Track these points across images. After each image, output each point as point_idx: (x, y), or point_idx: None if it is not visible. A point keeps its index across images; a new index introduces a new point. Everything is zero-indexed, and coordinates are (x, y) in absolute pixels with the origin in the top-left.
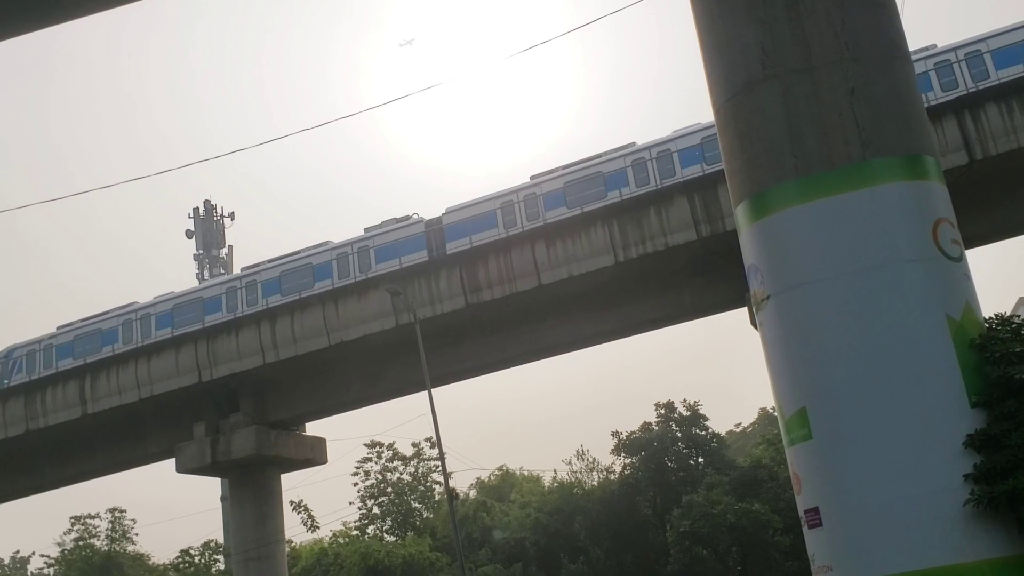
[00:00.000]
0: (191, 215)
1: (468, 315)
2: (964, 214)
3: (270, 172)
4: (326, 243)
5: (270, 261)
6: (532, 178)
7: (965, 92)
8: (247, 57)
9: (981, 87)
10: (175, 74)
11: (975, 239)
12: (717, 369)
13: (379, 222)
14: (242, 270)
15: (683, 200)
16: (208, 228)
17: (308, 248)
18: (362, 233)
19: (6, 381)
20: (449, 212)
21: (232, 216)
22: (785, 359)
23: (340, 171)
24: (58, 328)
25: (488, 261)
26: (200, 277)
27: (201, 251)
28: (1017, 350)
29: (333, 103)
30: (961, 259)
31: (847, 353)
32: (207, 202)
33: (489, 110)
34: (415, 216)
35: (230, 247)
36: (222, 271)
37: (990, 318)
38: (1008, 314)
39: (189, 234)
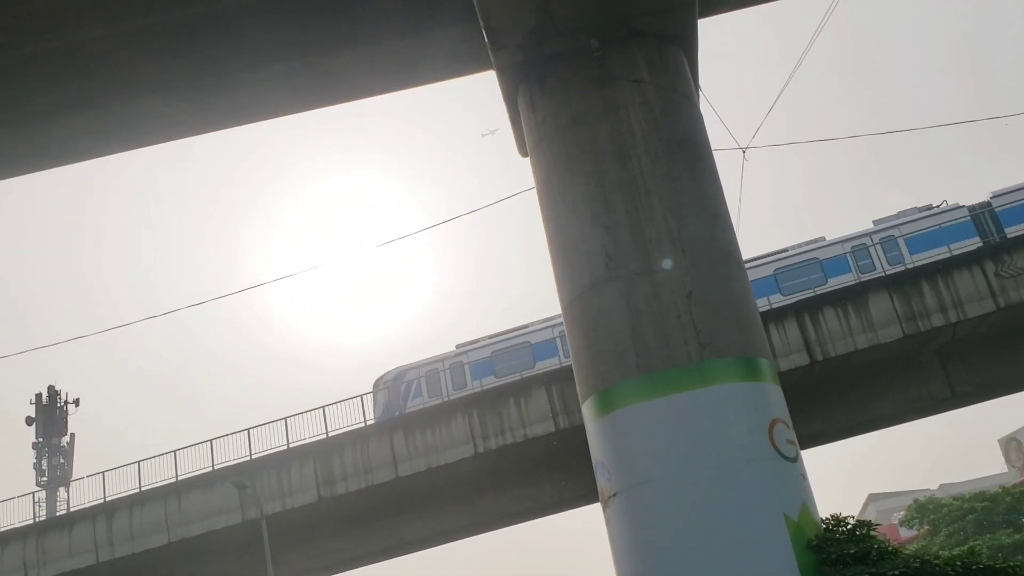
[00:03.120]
0: (32, 401)
1: (321, 509)
2: (808, 412)
3: (126, 353)
4: (820, 239)
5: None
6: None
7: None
8: (109, 238)
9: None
10: (31, 251)
11: (820, 437)
12: (584, 562)
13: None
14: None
15: (541, 391)
16: (50, 415)
17: (805, 243)
18: (871, 226)
19: (397, 411)
20: (996, 196)
21: (77, 403)
22: (631, 559)
23: (199, 350)
24: (457, 346)
25: (344, 452)
26: (38, 467)
27: (41, 439)
28: (852, 551)
29: (197, 281)
30: (797, 459)
31: (690, 554)
32: (51, 388)
33: (368, 291)
34: (943, 204)
35: (72, 435)
36: (62, 460)
37: (826, 518)
38: (843, 514)
39: (29, 421)
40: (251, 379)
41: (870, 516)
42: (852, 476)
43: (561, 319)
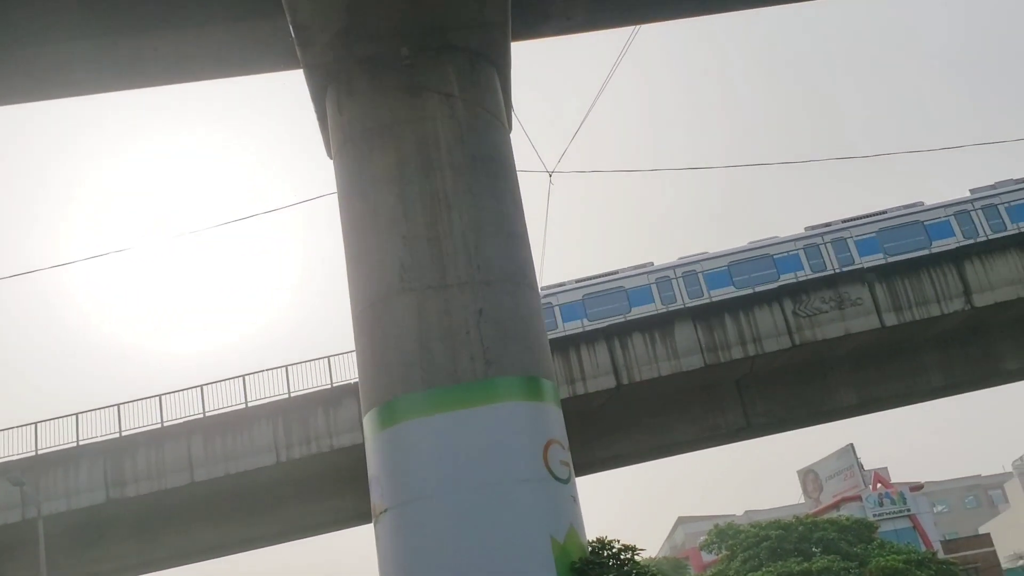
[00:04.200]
0: None
1: (109, 511)
2: (614, 433)
3: None
4: (919, 203)
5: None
6: None
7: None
8: None
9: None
10: None
11: (623, 458)
12: None
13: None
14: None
15: (352, 401)
16: None
17: (903, 207)
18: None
19: None
20: None
21: None
22: None
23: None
24: (578, 281)
25: (137, 453)
26: None
27: None
28: (611, 575)
29: None
30: (569, 481)
31: (454, 574)
32: None
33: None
34: None
35: None
36: None
37: (593, 541)
38: (609, 538)
39: None
40: (39, 371)
41: (678, 539)
42: (664, 498)
43: (645, 270)
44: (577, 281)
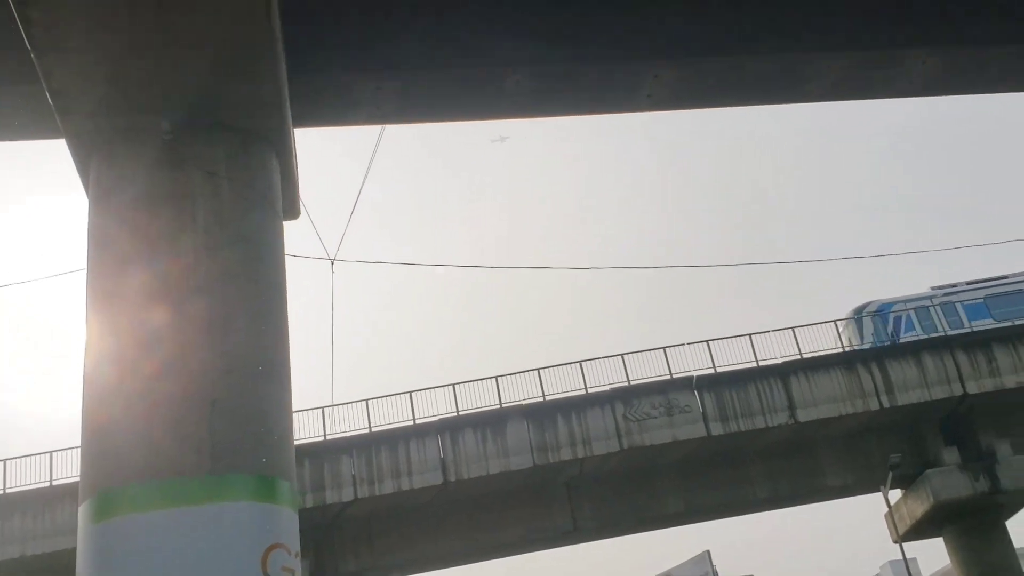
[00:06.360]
0: None
1: None
2: (439, 532)
3: None
4: None
5: None
6: None
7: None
8: None
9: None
10: None
11: (446, 559)
12: None
13: None
14: None
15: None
16: None
17: None
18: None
19: (887, 342)
20: None
21: None
22: None
23: None
24: (933, 288)
25: None
26: None
27: None
28: None
29: None
30: None
31: None
32: None
33: None
34: None
35: None
36: None
37: None
38: None
39: None
40: None
41: None
42: None
43: None
44: (968, 283)
